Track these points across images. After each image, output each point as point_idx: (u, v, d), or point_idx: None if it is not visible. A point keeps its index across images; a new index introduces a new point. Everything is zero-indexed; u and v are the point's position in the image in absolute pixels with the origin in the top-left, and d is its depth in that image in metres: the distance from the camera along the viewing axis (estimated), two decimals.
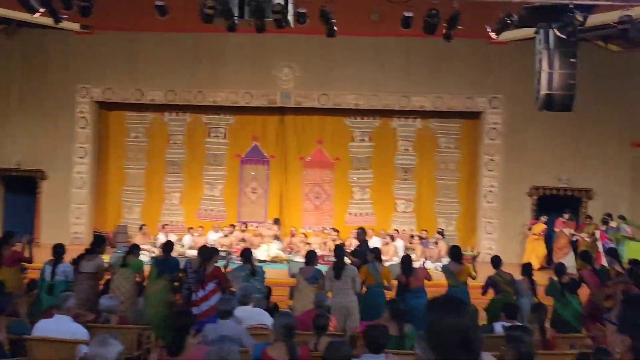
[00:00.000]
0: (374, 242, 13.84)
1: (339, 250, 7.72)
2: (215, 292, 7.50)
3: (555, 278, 7.85)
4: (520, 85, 14.25)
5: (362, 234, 9.42)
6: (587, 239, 12.84)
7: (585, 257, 8.23)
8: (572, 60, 8.95)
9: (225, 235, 13.71)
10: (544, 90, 9.04)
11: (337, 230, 14.31)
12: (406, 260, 7.72)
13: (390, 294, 7.45)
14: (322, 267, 8.06)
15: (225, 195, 15.35)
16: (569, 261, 12.40)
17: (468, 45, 14.11)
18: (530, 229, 13.77)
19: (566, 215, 13.47)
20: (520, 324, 4.77)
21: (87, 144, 14.69)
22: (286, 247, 13.73)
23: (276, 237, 14.07)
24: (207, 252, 7.92)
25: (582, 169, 14.22)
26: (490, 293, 7.78)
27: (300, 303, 7.28)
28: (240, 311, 5.70)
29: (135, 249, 7.82)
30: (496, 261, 7.96)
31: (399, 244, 13.99)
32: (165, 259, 7.57)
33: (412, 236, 14.06)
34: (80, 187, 14.67)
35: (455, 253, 7.80)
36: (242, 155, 15.35)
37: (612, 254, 8.83)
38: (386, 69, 14.38)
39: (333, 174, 15.28)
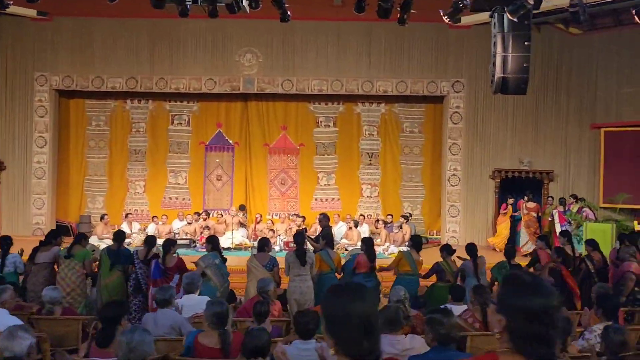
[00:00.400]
0: (340, 227, 13.97)
1: (299, 236, 7.71)
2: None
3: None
4: (483, 69, 14.32)
5: (324, 219, 9.40)
6: (549, 219, 13.09)
7: (543, 239, 8.33)
8: (526, 43, 9.02)
9: (189, 223, 13.62)
10: (498, 74, 9.09)
11: (302, 217, 14.30)
12: (367, 242, 7.71)
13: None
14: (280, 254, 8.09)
15: (190, 183, 15.22)
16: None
17: (430, 30, 14.14)
18: (506, 213, 13.88)
19: (526, 198, 13.67)
20: (448, 306, 4.80)
21: (47, 133, 14.39)
22: (251, 234, 13.69)
23: (242, 225, 14.02)
24: (166, 244, 7.87)
25: (544, 152, 14.39)
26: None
27: (255, 289, 7.25)
28: (186, 300, 5.66)
29: (81, 239, 7.69)
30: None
31: (365, 229, 14.07)
32: (118, 250, 7.47)
33: (377, 221, 14.13)
34: (41, 177, 14.40)
35: (416, 242, 7.80)
36: (206, 143, 15.21)
37: (567, 235, 8.96)
38: (349, 54, 14.33)
39: (298, 160, 15.24)
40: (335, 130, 15.19)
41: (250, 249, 12.58)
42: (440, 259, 7.79)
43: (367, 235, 13.74)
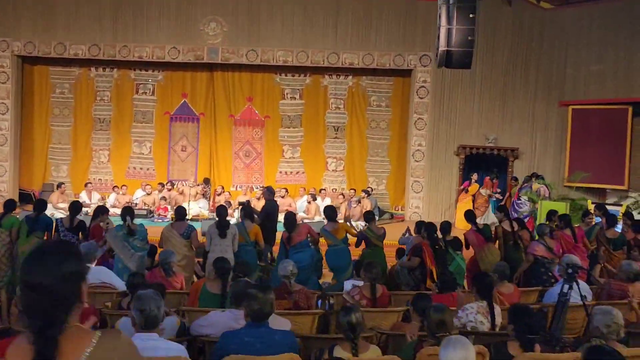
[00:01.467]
0: (303, 201, 13.89)
1: (221, 208, 7.64)
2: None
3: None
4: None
5: (267, 192, 9.27)
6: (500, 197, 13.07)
7: (467, 216, 8.19)
8: (471, 15, 8.79)
9: (148, 194, 13.55)
10: (442, 47, 8.88)
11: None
12: (289, 217, 7.65)
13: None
14: None
15: (155, 153, 15.11)
16: (487, 220, 12.54)
17: (397, 2, 13.87)
18: (467, 191, 13.76)
19: (487, 178, 13.56)
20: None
21: (8, 99, 14.25)
22: (211, 206, 13.61)
23: (204, 196, 13.95)
24: (96, 211, 7.83)
25: (510, 129, 14.21)
26: None
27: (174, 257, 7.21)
28: None
29: (10, 206, 7.62)
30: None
31: (327, 203, 13.97)
32: (37, 217, 7.40)
33: (342, 195, 14.06)
34: (3, 144, 14.31)
35: (329, 213, 7.74)
36: (171, 113, 15.06)
37: (503, 210, 8.75)
38: (315, 25, 14.07)
39: (263, 132, 15.09)
40: (301, 103, 15.00)
41: (206, 220, 12.54)
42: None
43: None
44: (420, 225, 7.71)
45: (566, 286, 4.54)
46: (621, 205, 11.59)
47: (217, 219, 7.42)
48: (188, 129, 15.10)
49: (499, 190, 13.78)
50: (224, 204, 9.05)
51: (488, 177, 13.82)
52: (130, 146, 15.08)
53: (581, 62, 13.72)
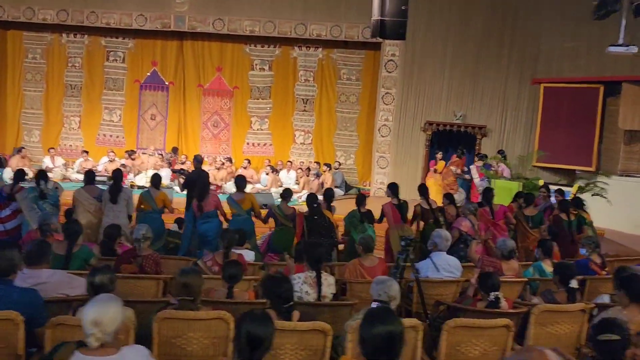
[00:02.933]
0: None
1: (117, 173, 7.62)
2: (19, 212, 7.58)
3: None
4: (422, 17, 13.74)
5: (195, 161, 9.17)
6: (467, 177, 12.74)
7: (391, 188, 8.00)
8: None
9: (111, 161, 13.61)
10: (375, 16, 8.66)
11: (231, 160, 14.21)
12: (200, 187, 7.60)
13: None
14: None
15: (124, 121, 15.15)
16: (459, 198, 12.26)
17: None
18: (435, 170, 13.53)
19: (455, 155, 13.28)
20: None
21: None
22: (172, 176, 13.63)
23: (169, 165, 13.97)
24: (16, 175, 7.89)
25: (480, 106, 13.85)
26: None
27: (86, 219, 7.22)
28: None
29: None
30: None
31: (292, 175, 13.92)
32: None
33: (301, 169, 13.97)
34: None
35: (238, 182, 7.64)
36: (141, 81, 15.03)
37: (449, 198, 8.48)
38: None
39: (232, 103, 15.00)
40: (270, 74, 14.84)
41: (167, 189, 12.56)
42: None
43: (291, 182, 13.64)
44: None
45: (401, 257, 4.40)
46: (572, 186, 11.25)
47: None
48: (157, 97, 15.08)
49: (466, 168, 13.50)
50: (120, 168, 9.05)
51: (455, 155, 13.54)
52: (101, 113, 15.14)
53: (555, 38, 13.25)
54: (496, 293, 4.23)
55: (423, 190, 8.13)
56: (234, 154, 14.80)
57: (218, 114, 15.02)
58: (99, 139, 15.19)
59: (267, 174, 13.33)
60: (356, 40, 14.17)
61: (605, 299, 4.63)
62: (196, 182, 8.74)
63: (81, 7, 14.03)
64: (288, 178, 13.83)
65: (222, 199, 7.89)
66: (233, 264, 4.24)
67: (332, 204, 7.86)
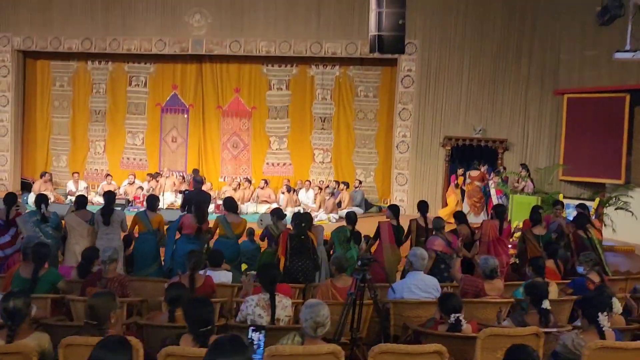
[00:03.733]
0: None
1: (108, 194, 7.66)
2: (18, 237, 7.70)
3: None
4: (436, 30, 13.59)
5: (195, 181, 9.16)
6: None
7: (392, 209, 7.76)
8: None
9: (130, 184, 13.86)
10: (372, 32, 8.49)
11: (249, 181, 14.25)
12: (200, 210, 7.53)
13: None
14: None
15: (147, 144, 15.44)
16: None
17: None
18: (457, 185, 13.24)
19: (481, 168, 12.95)
20: None
21: (9, 92, 14.93)
22: None
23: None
24: (6, 200, 7.99)
25: (500, 119, 13.50)
26: None
27: (81, 245, 7.27)
28: None
29: None
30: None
31: (310, 194, 13.83)
32: None
33: (318, 187, 13.88)
34: (4, 135, 15.03)
35: (229, 205, 7.49)
36: (162, 104, 15.31)
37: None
38: (298, 14, 13.91)
39: (250, 123, 15.08)
40: (288, 94, 14.87)
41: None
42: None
43: (310, 201, 13.55)
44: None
45: (357, 277, 4.22)
46: (594, 200, 10.73)
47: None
48: (178, 120, 15.32)
49: (490, 178, 13.01)
50: (112, 190, 9.11)
51: (481, 168, 13.15)
52: (125, 137, 15.48)
53: (575, 48, 12.81)
54: (457, 315, 4.00)
55: (423, 207, 7.87)
56: (254, 174, 14.84)
57: (237, 134, 15.13)
58: (122, 163, 15.50)
59: (282, 192, 13.28)
60: (372, 57, 14.02)
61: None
62: (193, 202, 8.74)
63: (103, 35, 14.45)
64: (306, 197, 13.75)
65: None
66: (175, 286, 4.15)
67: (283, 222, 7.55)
